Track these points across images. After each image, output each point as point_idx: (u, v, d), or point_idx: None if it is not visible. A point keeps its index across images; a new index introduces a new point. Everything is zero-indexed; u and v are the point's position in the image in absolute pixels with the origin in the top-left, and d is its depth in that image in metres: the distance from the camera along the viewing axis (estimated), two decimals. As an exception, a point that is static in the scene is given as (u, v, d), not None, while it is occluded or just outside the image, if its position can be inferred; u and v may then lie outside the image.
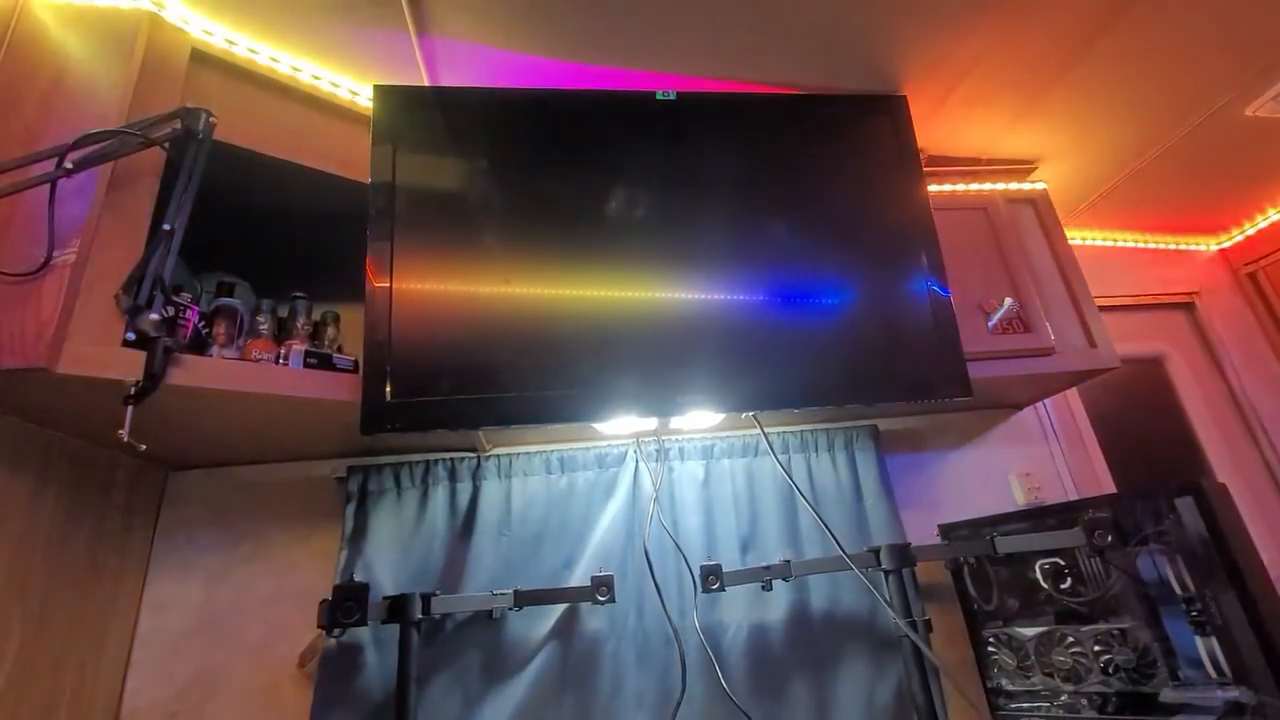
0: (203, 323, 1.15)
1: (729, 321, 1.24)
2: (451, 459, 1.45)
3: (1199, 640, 1.06)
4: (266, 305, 1.28)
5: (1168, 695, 1.08)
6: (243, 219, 1.29)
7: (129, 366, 0.93)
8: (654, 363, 1.18)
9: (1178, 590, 1.10)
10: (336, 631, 1.18)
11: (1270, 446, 2.07)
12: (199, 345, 1.13)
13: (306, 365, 1.19)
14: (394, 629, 1.19)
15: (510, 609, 1.27)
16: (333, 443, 1.38)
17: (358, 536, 1.35)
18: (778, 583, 1.37)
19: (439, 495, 1.42)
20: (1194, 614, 1.07)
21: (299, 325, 1.29)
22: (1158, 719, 1.09)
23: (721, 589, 1.32)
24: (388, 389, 1.09)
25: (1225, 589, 1.04)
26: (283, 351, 1.21)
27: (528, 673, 1.29)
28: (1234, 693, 1.02)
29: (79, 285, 0.93)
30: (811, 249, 1.34)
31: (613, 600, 1.28)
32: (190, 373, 1.00)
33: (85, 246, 0.95)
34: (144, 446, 0.96)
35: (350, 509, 1.37)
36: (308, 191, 1.25)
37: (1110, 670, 1.15)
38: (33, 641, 1.03)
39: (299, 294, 1.33)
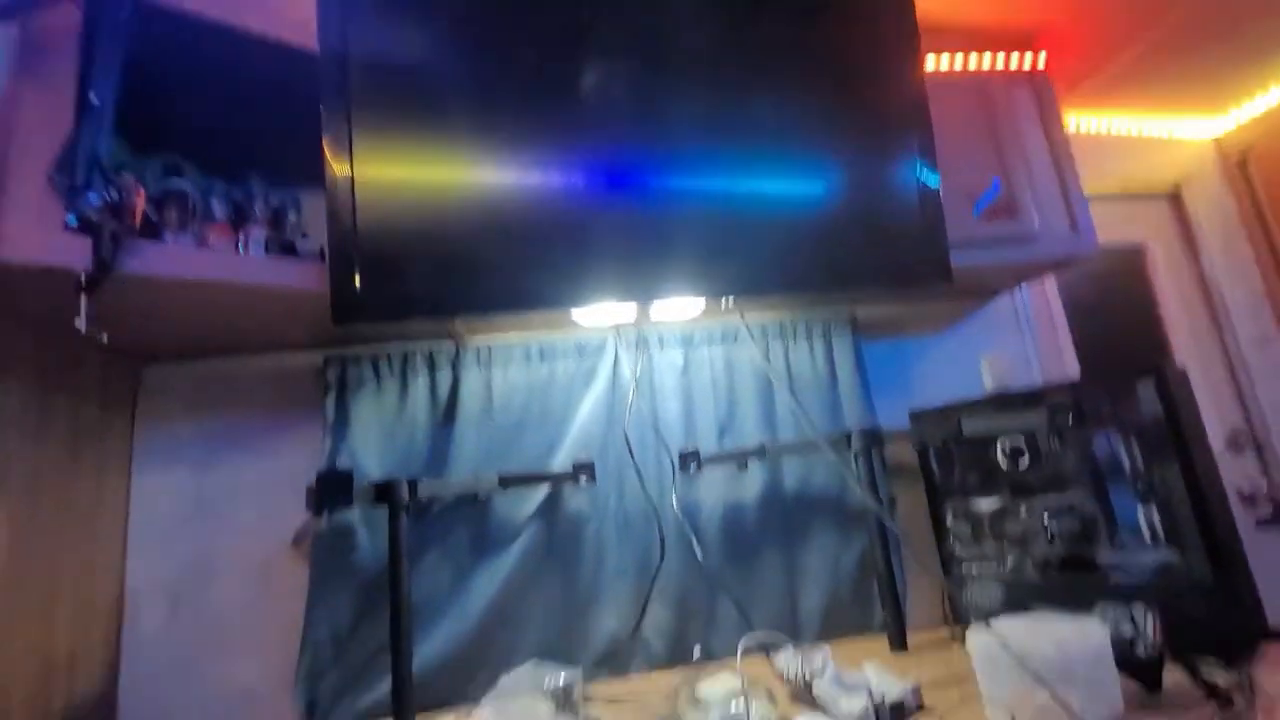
0: (151, 207, 1.08)
1: (709, 205, 1.19)
2: (430, 349, 1.44)
3: (1140, 509, 1.14)
4: (219, 188, 1.20)
5: (1104, 557, 1.18)
6: (185, 93, 1.17)
7: (76, 253, 0.88)
8: (633, 247, 1.15)
9: (1127, 466, 1.17)
10: (326, 514, 1.22)
11: (1232, 332, 2.13)
12: (151, 232, 1.07)
13: (268, 253, 1.14)
14: (383, 509, 1.23)
15: (495, 491, 1.32)
16: (307, 333, 1.35)
17: (340, 425, 1.36)
18: (753, 463, 1.43)
19: (419, 385, 1.42)
20: (1139, 487, 1.15)
21: (256, 210, 1.22)
22: (1093, 576, 1.19)
23: (700, 469, 1.38)
24: (357, 278, 1.05)
25: (1171, 462, 1.11)
26: (241, 238, 1.15)
27: (515, 547, 1.36)
28: (1163, 553, 1.11)
29: (5, 164, 0.86)
30: (798, 127, 1.27)
31: (594, 482, 1.33)
32: (144, 261, 0.95)
33: (4, 120, 0.86)
34: (105, 337, 0.93)
35: (330, 399, 1.37)
36: (254, 60, 1.13)
37: (1056, 537, 1.24)
38: (23, 531, 1.05)
39: (254, 176, 1.25)
